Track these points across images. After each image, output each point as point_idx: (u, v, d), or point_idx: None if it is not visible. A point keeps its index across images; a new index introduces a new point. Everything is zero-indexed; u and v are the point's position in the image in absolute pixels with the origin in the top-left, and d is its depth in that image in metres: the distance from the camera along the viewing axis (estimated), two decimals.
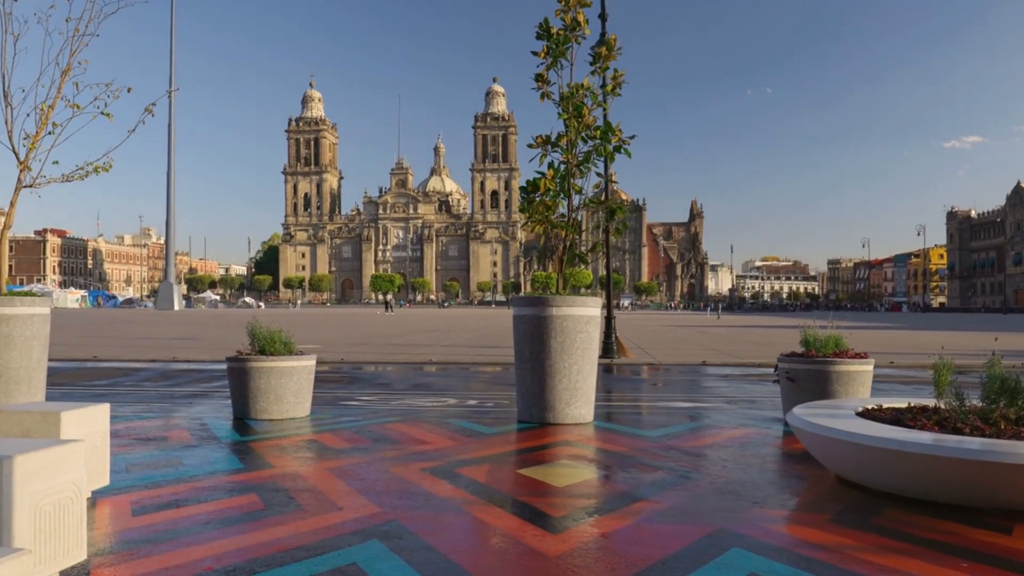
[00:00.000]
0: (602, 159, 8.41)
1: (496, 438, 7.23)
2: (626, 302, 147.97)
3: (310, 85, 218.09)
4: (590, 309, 8.23)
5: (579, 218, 8.64)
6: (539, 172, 8.36)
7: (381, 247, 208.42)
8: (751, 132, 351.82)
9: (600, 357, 17.88)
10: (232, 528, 4.11)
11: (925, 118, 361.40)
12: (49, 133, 9.02)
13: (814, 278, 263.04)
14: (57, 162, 9.24)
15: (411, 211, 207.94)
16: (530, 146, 8.43)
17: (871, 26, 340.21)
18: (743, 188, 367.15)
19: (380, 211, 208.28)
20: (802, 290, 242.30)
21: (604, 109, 8.39)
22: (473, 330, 37.86)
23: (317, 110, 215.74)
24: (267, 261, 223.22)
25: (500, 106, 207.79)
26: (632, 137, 8.33)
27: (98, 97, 8.94)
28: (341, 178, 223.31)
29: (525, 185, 8.33)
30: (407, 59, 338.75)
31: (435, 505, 4.60)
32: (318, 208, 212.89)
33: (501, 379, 14.27)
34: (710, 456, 6.22)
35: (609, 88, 8.47)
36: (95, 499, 4.66)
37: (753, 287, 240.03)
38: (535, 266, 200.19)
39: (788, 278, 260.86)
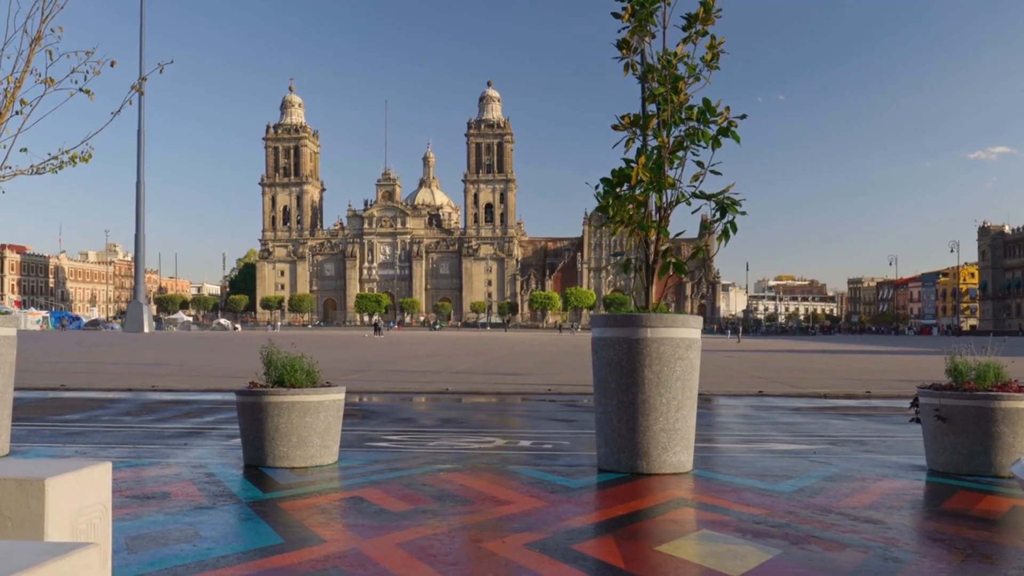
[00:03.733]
0: (700, 145, 7.30)
1: (589, 494, 6.11)
2: None
3: (290, 89, 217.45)
4: (691, 330, 7.12)
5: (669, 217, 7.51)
6: (626, 160, 7.26)
7: (366, 264, 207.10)
8: (762, 142, 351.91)
9: None
10: None
11: (948, 128, 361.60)
12: (17, 113, 7.90)
13: (832, 299, 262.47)
14: (26, 149, 8.14)
15: (399, 225, 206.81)
16: (615, 127, 7.34)
17: (888, 32, 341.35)
18: (754, 201, 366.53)
19: (365, 225, 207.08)
20: (820, 311, 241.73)
21: (706, 82, 7.28)
22: (478, 354, 36.76)
23: (297, 116, 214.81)
24: (243, 279, 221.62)
25: (495, 112, 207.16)
26: (742, 117, 7.23)
27: (76, 69, 7.85)
28: (323, 190, 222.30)
29: (610, 177, 7.22)
30: (394, 62, 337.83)
31: None
32: (298, 222, 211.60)
33: (539, 412, 13.19)
34: (890, 523, 5.09)
35: (708, 58, 7.37)
36: None
37: (768, 308, 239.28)
38: (532, 285, 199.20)
39: (804, 299, 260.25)
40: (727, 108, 7.22)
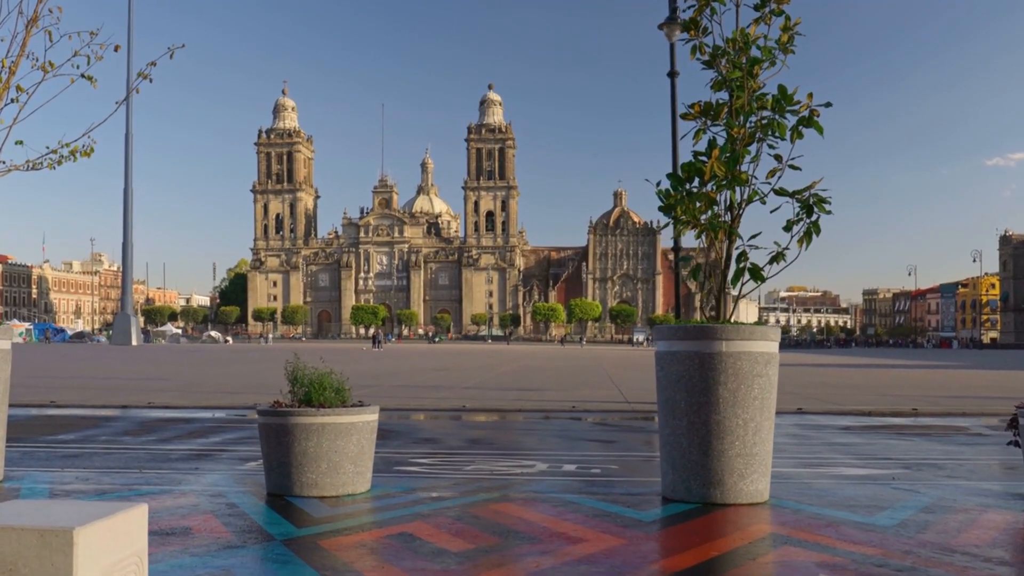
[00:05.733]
0: (775, 137, 6.77)
1: (667, 529, 5.58)
2: (640, 336, 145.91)
3: (283, 92, 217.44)
4: (771, 343, 6.62)
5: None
6: (695, 153, 6.75)
7: (363, 275, 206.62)
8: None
9: None
10: None
11: (965, 133, 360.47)
12: (12, 101, 7.42)
13: (846, 311, 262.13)
14: (21, 142, 7.65)
15: (396, 234, 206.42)
16: (684, 116, 6.83)
17: (902, 35, 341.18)
18: (764, 210, 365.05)
19: (361, 234, 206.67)
20: (834, 323, 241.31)
21: (783, 65, 6.76)
22: (487, 369, 36.26)
23: (291, 120, 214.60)
24: (234, 290, 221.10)
25: (496, 116, 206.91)
26: (827, 105, 6.72)
27: (78, 52, 7.37)
28: (317, 197, 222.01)
29: (679, 173, 6.69)
30: (391, 64, 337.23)
31: None
32: (291, 231, 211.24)
33: (571, 432, 12.68)
34: None
35: (784, 40, 6.86)
36: None
37: (779, 320, 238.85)
38: (535, 296, 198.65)
39: (817, 310, 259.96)
40: (809, 95, 6.71)
